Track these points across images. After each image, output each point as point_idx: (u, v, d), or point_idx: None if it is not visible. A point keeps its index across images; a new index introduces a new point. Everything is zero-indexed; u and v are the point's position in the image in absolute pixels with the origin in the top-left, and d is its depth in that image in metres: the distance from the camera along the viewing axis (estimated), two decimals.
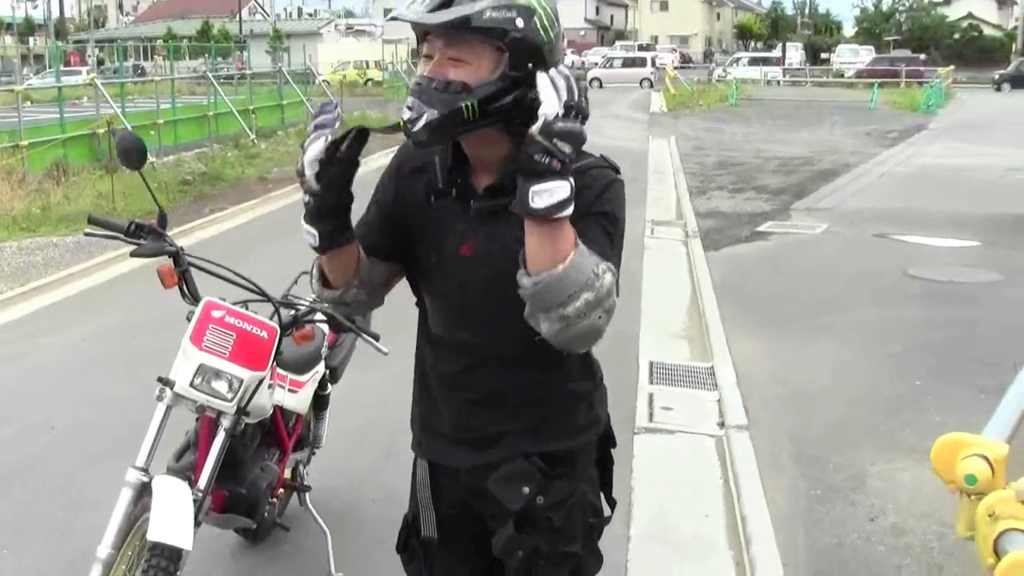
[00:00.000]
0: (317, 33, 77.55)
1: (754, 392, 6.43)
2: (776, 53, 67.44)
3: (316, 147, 2.09)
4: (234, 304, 3.47)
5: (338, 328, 3.72)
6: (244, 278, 3.44)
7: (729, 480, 5.21)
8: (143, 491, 3.19)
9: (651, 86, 48.80)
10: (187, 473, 3.46)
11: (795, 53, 70.14)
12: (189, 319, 3.39)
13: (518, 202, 1.96)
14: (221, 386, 3.29)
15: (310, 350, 4.07)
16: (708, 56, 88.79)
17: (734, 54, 73.34)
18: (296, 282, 4.13)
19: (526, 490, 2.31)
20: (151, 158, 15.50)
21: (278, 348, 3.44)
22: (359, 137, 2.10)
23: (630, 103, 37.43)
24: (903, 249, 11.23)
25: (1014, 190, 15.99)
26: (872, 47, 67.85)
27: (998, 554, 1.67)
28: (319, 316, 3.67)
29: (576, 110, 1.94)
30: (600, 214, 2.16)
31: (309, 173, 2.10)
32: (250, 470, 3.79)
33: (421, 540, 2.52)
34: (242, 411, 3.38)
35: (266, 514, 3.94)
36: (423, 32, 2.13)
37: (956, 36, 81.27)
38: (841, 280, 9.74)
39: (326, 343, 4.31)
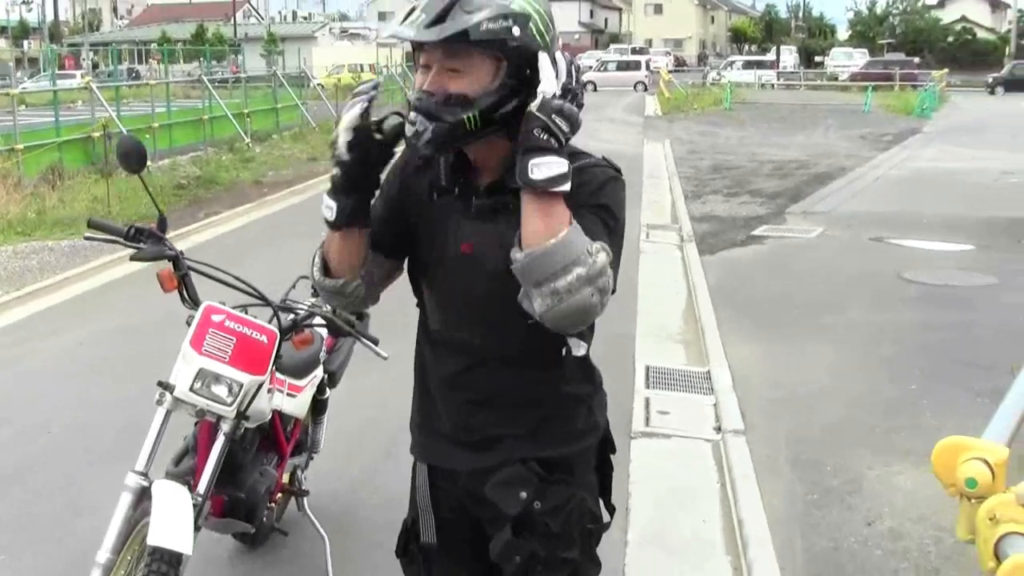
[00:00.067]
0: (312, 36, 77.56)
1: (750, 396, 6.43)
2: (770, 56, 67.58)
3: (352, 114, 2.14)
4: (234, 308, 3.48)
5: (337, 332, 3.72)
6: (244, 282, 3.45)
7: (726, 484, 5.21)
8: (143, 495, 3.19)
9: (645, 89, 48.81)
10: (186, 478, 3.46)
11: (789, 56, 70.23)
12: (189, 323, 3.40)
13: (517, 175, 2.02)
14: (221, 390, 3.29)
15: (309, 354, 4.07)
16: (702, 59, 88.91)
17: (728, 57, 73.37)
18: (294, 286, 4.13)
19: (523, 495, 2.31)
20: None
21: (277, 352, 3.45)
22: (397, 125, 2.15)
23: (624, 106, 37.43)
24: (898, 253, 11.25)
25: (1008, 193, 16.03)
26: (866, 50, 67.88)
27: (999, 558, 1.67)
28: (318, 320, 3.68)
29: (572, 94, 2.05)
30: (599, 207, 2.18)
31: (342, 140, 2.14)
32: (249, 474, 3.79)
33: (420, 544, 2.52)
34: (242, 415, 3.38)
35: (264, 519, 3.94)
36: (420, 42, 2.14)
37: (950, 39, 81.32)
38: (837, 284, 9.76)
39: (324, 347, 4.31)
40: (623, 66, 54.99)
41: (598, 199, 2.19)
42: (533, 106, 2.02)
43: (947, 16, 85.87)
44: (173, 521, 3.06)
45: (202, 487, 3.35)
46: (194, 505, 3.22)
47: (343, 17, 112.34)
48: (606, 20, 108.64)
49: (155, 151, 18.97)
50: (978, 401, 6.10)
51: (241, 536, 4.22)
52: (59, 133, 17.66)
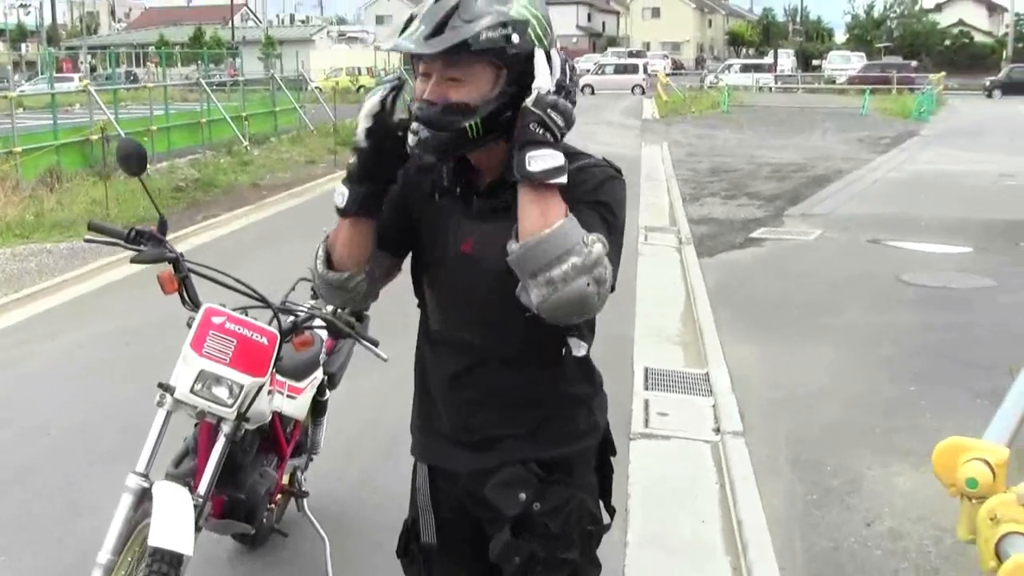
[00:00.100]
0: (309, 40, 77.49)
1: (749, 397, 6.44)
2: (768, 60, 67.56)
3: (372, 101, 2.18)
4: (234, 310, 3.48)
5: (337, 334, 3.71)
6: (244, 284, 3.45)
7: (725, 485, 5.22)
8: (143, 497, 3.19)
9: (643, 92, 48.79)
10: (186, 479, 3.46)
11: (787, 60, 70.18)
12: (189, 325, 3.40)
13: (515, 168, 2.05)
14: (222, 392, 3.29)
15: (309, 356, 4.07)
16: (700, 63, 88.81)
17: (726, 61, 73.44)
18: (294, 288, 4.13)
19: (523, 496, 2.31)
20: None
21: (278, 354, 3.45)
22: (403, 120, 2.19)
23: (622, 109, 37.48)
24: (896, 255, 11.27)
25: (1006, 196, 16.06)
26: (863, 54, 67.89)
27: (1000, 557, 1.68)
28: (318, 322, 3.68)
29: (566, 91, 2.08)
30: (597, 203, 2.20)
31: (361, 127, 2.18)
32: (249, 476, 3.79)
33: (420, 545, 2.52)
34: (242, 417, 3.39)
35: (264, 520, 3.94)
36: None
37: (947, 43, 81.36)
38: (835, 286, 9.77)
39: (324, 349, 4.32)
40: (621, 69, 54.98)
41: (597, 196, 2.20)
42: (528, 101, 2.05)
43: (944, 19, 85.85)
44: (174, 522, 3.06)
45: (202, 488, 3.35)
46: (195, 506, 3.22)
47: (341, 21, 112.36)
48: (604, 24, 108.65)
49: (153, 154, 18.97)
50: (977, 402, 6.11)
51: (241, 537, 4.22)
52: (57, 136, 17.67)
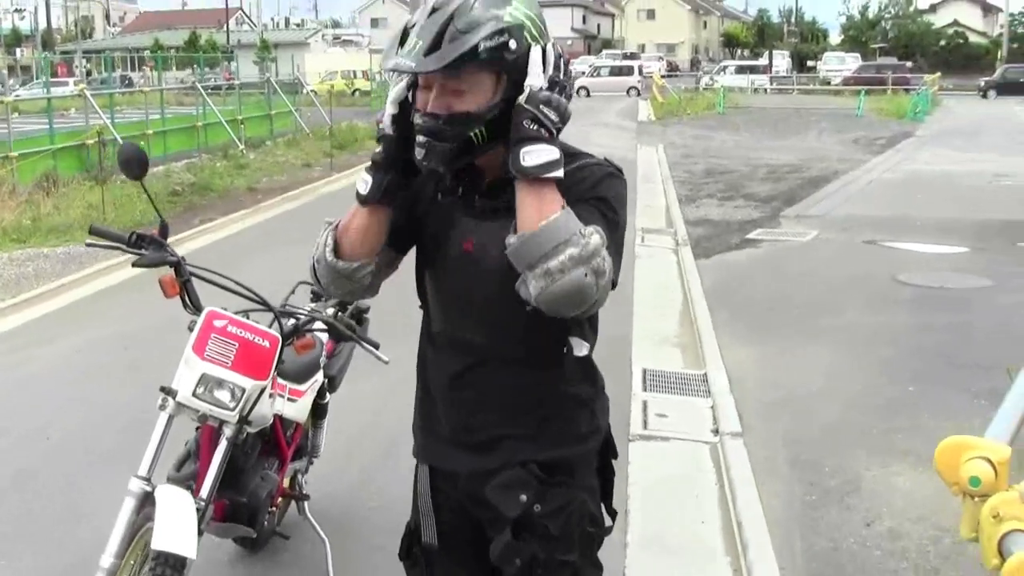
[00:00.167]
0: (304, 43, 77.40)
1: (747, 398, 6.45)
2: (763, 61, 67.57)
3: (399, 88, 2.22)
4: (235, 313, 3.48)
5: (338, 337, 3.73)
6: (245, 287, 3.46)
7: (724, 486, 5.23)
8: (146, 500, 3.20)
9: (638, 94, 48.85)
10: (188, 483, 3.47)
11: (782, 61, 70.29)
12: (191, 329, 3.40)
13: (510, 165, 2.07)
14: (224, 395, 3.30)
15: (310, 359, 4.08)
16: (695, 64, 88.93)
17: (721, 62, 73.48)
18: (294, 291, 4.13)
19: (524, 498, 2.32)
20: None
21: (280, 357, 3.45)
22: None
23: (618, 111, 37.49)
24: (893, 255, 11.29)
25: (1002, 196, 16.09)
26: (858, 55, 67.91)
27: (1003, 555, 1.69)
28: (319, 325, 3.69)
29: (560, 87, 2.11)
30: (597, 199, 2.21)
31: (387, 113, 2.22)
32: (251, 479, 3.80)
33: (422, 546, 2.53)
34: (244, 420, 3.39)
35: (266, 523, 3.95)
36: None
37: (942, 43, 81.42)
38: (832, 286, 9.78)
39: (324, 352, 4.32)
40: (616, 71, 55.09)
41: (595, 192, 2.22)
42: (521, 99, 2.08)
43: (939, 20, 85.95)
44: (177, 525, 3.07)
45: (205, 491, 3.35)
46: (197, 509, 3.23)
47: (336, 24, 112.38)
48: (598, 26, 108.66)
49: (149, 158, 18.93)
50: (976, 402, 6.13)
51: (242, 540, 4.23)
52: (53, 140, 17.66)
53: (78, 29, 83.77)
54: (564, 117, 2.10)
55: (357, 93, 50.81)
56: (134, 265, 3.46)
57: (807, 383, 6.80)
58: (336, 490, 5.09)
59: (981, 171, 19.04)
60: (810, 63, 75.23)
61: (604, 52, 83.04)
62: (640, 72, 53.39)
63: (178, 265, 3.47)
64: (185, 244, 12.20)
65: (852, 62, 61.94)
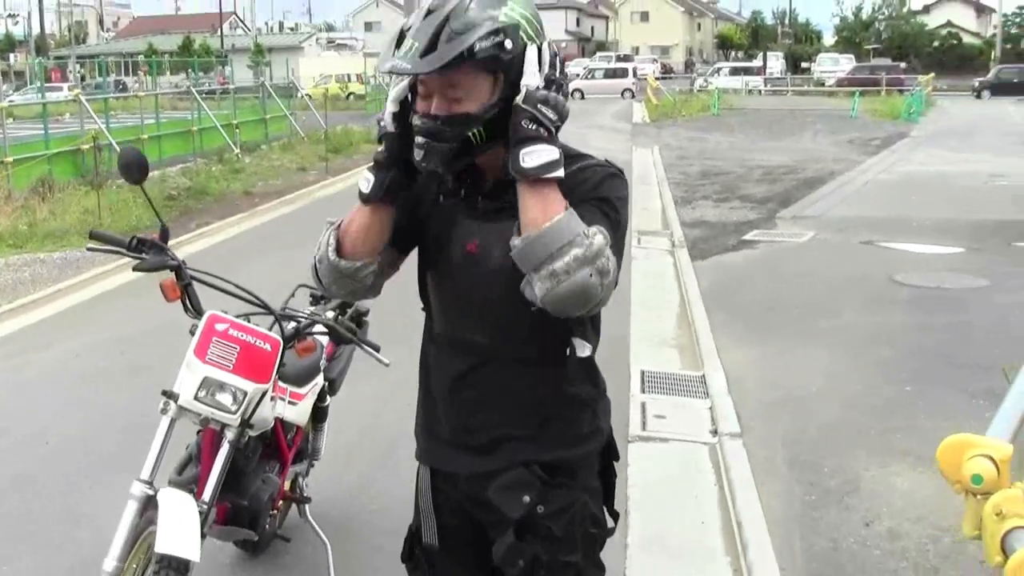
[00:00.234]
0: (299, 47, 77.50)
1: (746, 399, 6.46)
2: (757, 63, 67.65)
3: (400, 87, 2.22)
4: (236, 317, 3.49)
5: (339, 340, 3.73)
6: (246, 291, 3.46)
7: (724, 486, 5.23)
8: (148, 504, 3.20)
9: (633, 97, 48.87)
10: (190, 486, 3.47)
11: (776, 62, 70.30)
12: (192, 332, 3.41)
13: (510, 166, 2.07)
14: (225, 399, 3.30)
15: (310, 362, 4.08)
16: (689, 66, 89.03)
17: (715, 64, 73.58)
18: (293, 294, 4.13)
19: (526, 499, 2.32)
20: None
21: (281, 360, 3.46)
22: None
23: (613, 114, 37.53)
24: (889, 256, 11.30)
25: (997, 196, 16.11)
26: (852, 56, 67.99)
27: (1006, 552, 1.70)
28: (320, 328, 3.70)
29: (557, 84, 2.11)
30: (598, 199, 2.22)
31: (389, 111, 2.22)
32: (252, 482, 3.80)
33: (423, 548, 2.54)
34: (246, 423, 3.40)
35: (267, 526, 3.96)
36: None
37: (936, 44, 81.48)
38: (829, 287, 9.79)
39: (325, 355, 4.33)
40: (610, 73, 55.05)
41: (597, 193, 2.23)
42: (518, 99, 2.08)
43: (932, 21, 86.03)
44: (180, 528, 3.08)
45: (207, 495, 3.36)
46: (199, 513, 3.23)
47: (329, 28, 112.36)
48: (592, 28, 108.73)
49: None
50: (973, 402, 6.15)
51: (244, 543, 4.23)
52: (48, 146, 17.67)
53: (72, 34, 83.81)
54: (562, 115, 2.11)
55: (352, 97, 50.84)
56: (135, 269, 3.45)
57: (805, 384, 6.81)
58: (337, 493, 5.10)
59: (976, 171, 19.06)
60: (804, 64, 75.39)
61: (598, 54, 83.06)
62: (634, 74, 53.37)
63: (179, 269, 3.47)
64: (183, 248, 12.17)
65: (846, 63, 61.98)
